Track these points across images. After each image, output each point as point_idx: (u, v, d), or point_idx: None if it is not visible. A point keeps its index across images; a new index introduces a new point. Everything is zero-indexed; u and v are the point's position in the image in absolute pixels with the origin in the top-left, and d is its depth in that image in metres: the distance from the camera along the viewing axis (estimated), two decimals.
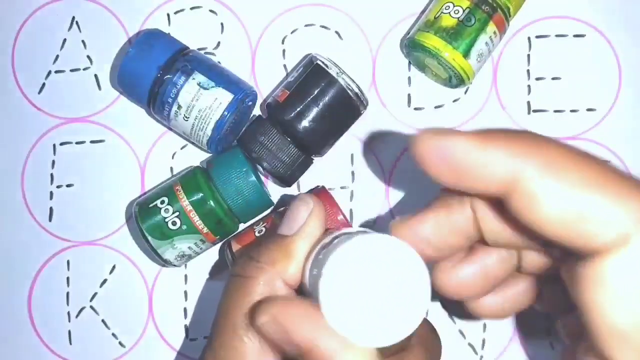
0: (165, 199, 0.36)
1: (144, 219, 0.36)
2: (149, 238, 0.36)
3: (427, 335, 0.29)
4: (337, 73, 0.36)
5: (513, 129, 0.21)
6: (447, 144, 0.20)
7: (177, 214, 0.36)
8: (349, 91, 0.36)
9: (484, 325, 0.40)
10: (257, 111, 0.41)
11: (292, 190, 0.40)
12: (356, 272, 0.20)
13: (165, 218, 0.36)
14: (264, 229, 0.36)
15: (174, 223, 0.36)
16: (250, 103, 0.38)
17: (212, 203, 0.36)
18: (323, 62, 0.36)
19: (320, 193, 0.37)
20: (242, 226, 0.39)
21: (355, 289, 0.20)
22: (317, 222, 0.25)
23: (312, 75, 0.36)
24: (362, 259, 0.20)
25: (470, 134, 0.20)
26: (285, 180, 0.38)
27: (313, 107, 0.36)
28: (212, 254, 0.40)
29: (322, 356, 0.20)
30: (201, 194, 0.36)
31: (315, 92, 0.36)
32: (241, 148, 0.38)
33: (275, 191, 0.40)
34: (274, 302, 0.22)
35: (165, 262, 0.37)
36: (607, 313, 0.17)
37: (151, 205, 0.36)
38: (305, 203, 0.26)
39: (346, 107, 0.37)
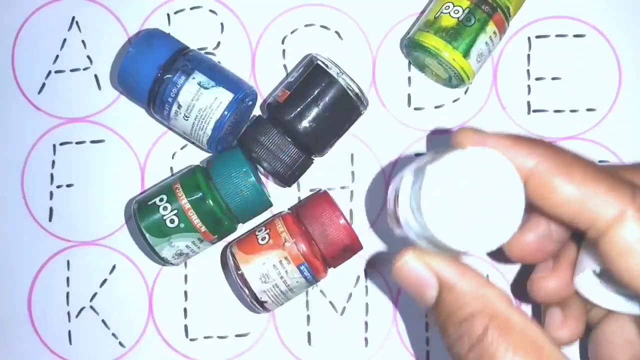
0: (164, 197, 0.36)
1: (142, 216, 0.36)
2: (147, 235, 0.36)
3: None
4: (337, 73, 0.36)
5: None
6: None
7: (175, 212, 0.36)
8: (349, 91, 0.36)
9: None
10: (257, 111, 0.41)
11: (292, 190, 0.40)
12: (455, 183, 0.22)
13: (164, 216, 0.36)
14: (267, 236, 0.36)
15: (172, 221, 0.36)
16: (250, 103, 0.38)
17: (210, 202, 0.36)
18: (323, 62, 0.36)
19: (321, 196, 0.37)
20: (240, 226, 0.39)
21: (454, 199, 0.22)
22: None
23: (312, 75, 0.36)
24: (461, 171, 0.22)
25: (504, 135, 0.25)
26: (285, 180, 0.38)
27: (313, 107, 0.36)
28: (212, 254, 0.40)
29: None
30: (200, 193, 0.36)
31: (316, 92, 0.36)
32: (241, 148, 0.38)
33: (275, 191, 0.40)
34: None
35: (163, 260, 0.37)
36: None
37: (150, 202, 0.36)
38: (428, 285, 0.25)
39: (346, 107, 0.37)
